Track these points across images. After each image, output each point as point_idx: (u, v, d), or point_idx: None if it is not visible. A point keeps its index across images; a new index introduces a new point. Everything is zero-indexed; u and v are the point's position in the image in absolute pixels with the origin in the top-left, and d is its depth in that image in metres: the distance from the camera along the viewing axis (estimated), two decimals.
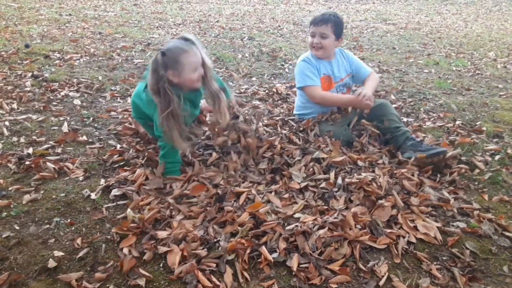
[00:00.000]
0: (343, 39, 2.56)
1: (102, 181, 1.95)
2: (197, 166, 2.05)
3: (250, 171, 2.07)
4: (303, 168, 2.08)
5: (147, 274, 1.40)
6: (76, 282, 1.36)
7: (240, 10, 8.79)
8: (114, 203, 1.81)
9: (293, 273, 1.44)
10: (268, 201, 1.83)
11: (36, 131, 2.42)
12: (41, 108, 2.76)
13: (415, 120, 2.95)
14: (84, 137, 2.37)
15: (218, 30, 6.18)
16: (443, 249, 1.63)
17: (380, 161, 2.18)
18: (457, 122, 2.89)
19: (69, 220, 1.68)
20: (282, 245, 1.55)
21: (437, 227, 1.72)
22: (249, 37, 5.76)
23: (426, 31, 7.24)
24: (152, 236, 1.59)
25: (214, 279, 1.39)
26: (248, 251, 1.51)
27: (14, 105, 2.75)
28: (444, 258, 1.58)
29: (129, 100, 2.93)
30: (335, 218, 1.68)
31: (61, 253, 1.49)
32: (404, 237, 1.65)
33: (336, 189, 1.91)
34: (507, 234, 1.72)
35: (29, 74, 3.33)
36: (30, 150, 2.17)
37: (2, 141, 2.28)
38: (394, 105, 3.03)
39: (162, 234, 1.59)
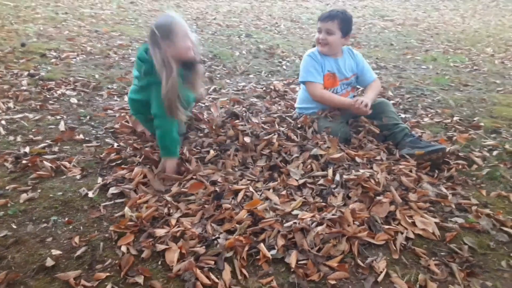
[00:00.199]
0: (350, 37, 2.51)
1: (100, 179, 1.95)
2: (195, 164, 2.04)
3: (248, 168, 2.07)
4: (301, 165, 2.07)
5: (145, 271, 1.40)
6: (74, 281, 1.36)
7: (237, 7, 8.76)
8: (112, 201, 1.80)
9: (292, 270, 1.44)
10: (266, 198, 1.83)
11: (33, 130, 2.41)
12: (38, 107, 2.75)
13: (413, 116, 2.95)
14: (81, 136, 2.37)
15: (215, 28, 6.16)
16: (441, 244, 1.63)
17: (378, 158, 2.18)
18: (455, 118, 2.89)
19: (66, 219, 1.67)
20: (281, 242, 1.55)
21: (435, 222, 1.72)
22: (246, 34, 5.74)
23: (423, 27, 7.23)
24: (150, 234, 1.58)
25: (212, 276, 1.39)
26: (246, 248, 1.51)
27: (11, 104, 2.74)
28: (442, 253, 1.58)
29: (125, 98, 2.92)
30: (333, 214, 1.68)
31: (59, 252, 1.48)
32: (402, 233, 1.65)
33: (334, 186, 1.91)
34: (505, 229, 1.72)
35: (26, 73, 3.32)
36: (27, 149, 2.17)
37: None
38: (392, 101, 3.03)
39: (160, 232, 1.58)
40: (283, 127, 2.44)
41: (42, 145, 2.24)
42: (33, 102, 2.80)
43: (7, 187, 1.86)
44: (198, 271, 1.39)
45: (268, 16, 7.82)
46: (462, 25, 7.78)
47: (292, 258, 1.47)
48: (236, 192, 1.85)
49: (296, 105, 2.72)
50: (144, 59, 2.01)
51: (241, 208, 1.74)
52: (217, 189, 1.86)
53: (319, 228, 1.59)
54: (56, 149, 2.21)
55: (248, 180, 1.97)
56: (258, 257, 1.50)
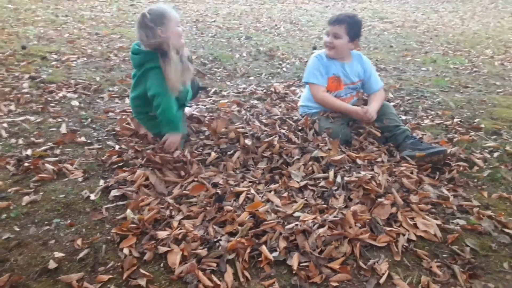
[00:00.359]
0: (358, 41, 2.49)
1: (101, 182, 1.95)
2: (196, 166, 2.05)
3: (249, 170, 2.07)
4: (302, 167, 2.08)
5: (147, 274, 1.40)
6: (77, 283, 1.36)
7: (237, 9, 8.78)
8: (114, 204, 1.81)
9: (294, 272, 1.45)
10: (268, 200, 1.83)
11: (34, 133, 2.41)
12: (39, 109, 2.75)
13: (413, 118, 2.95)
14: (83, 138, 2.37)
15: (215, 30, 6.17)
16: (443, 246, 1.63)
17: (379, 160, 2.18)
18: (455, 120, 2.89)
19: (69, 221, 1.67)
20: (282, 244, 1.55)
21: (437, 224, 1.72)
22: (246, 36, 5.75)
23: (423, 29, 7.25)
24: (152, 236, 1.58)
25: (214, 278, 1.39)
26: (248, 250, 1.51)
27: (12, 107, 2.74)
28: (444, 255, 1.59)
29: (127, 100, 2.93)
30: (334, 216, 1.68)
31: (61, 254, 1.49)
32: (404, 235, 1.65)
33: (335, 188, 1.91)
34: (507, 231, 1.73)
35: (27, 76, 3.32)
36: (29, 152, 2.17)
37: (0, 143, 2.27)
38: (392, 103, 3.03)
39: (162, 234, 1.58)
40: (284, 129, 2.44)
41: (44, 147, 2.24)
42: (34, 105, 2.80)
43: (9, 190, 1.86)
44: (200, 273, 1.40)
45: (268, 18, 7.84)
46: (461, 27, 7.80)
47: (294, 260, 1.48)
48: (237, 194, 1.85)
49: (299, 103, 2.73)
50: (138, 51, 2.05)
51: (242, 210, 1.74)
52: (218, 191, 1.86)
53: (321, 230, 1.60)
54: (58, 151, 2.22)
55: (249, 182, 1.98)
56: (260, 259, 1.50)
